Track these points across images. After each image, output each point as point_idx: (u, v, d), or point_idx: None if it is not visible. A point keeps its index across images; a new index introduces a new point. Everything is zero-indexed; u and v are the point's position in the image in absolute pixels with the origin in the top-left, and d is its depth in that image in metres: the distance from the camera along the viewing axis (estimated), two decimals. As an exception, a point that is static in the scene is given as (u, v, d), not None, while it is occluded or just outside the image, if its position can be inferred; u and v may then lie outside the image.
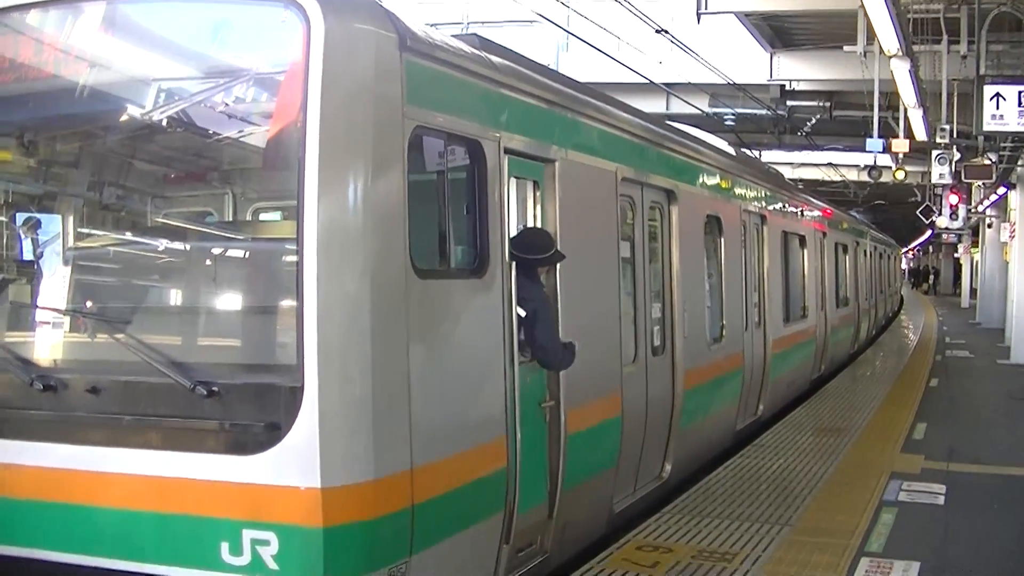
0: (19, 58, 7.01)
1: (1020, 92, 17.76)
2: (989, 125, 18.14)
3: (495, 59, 7.82)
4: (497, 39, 8.49)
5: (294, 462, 5.83)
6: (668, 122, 14.25)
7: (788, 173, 36.90)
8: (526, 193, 8.32)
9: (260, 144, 6.71)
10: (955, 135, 25.79)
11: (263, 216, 7.66)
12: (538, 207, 8.39)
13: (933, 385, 21.38)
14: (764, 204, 16.76)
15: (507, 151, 7.60)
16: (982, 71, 21.11)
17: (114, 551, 6.20)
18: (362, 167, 6.07)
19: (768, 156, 36.85)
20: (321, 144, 5.87)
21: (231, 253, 7.45)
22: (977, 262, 54.98)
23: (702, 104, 29.83)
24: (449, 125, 6.95)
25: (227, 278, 7.12)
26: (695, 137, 14.40)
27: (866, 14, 16.91)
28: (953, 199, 33.88)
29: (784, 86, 31.18)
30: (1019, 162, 27.97)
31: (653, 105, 29.49)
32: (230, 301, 7.11)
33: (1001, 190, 33.90)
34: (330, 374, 5.85)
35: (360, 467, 5.96)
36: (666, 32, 20.66)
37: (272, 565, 5.83)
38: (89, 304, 7.28)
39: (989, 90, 17.86)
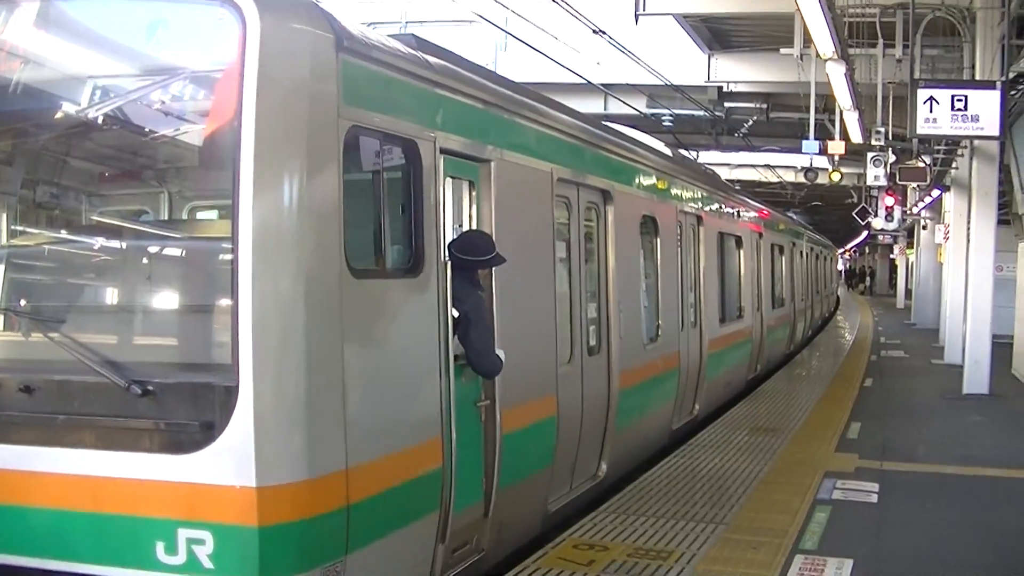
0: None
1: (953, 96, 17.90)
2: (923, 128, 18.28)
3: (431, 59, 7.83)
4: (435, 39, 8.49)
5: (229, 461, 5.81)
6: (605, 123, 14.26)
7: (725, 174, 37.17)
8: (462, 193, 8.33)
9: (196, 143, 6.67)
10: (890, 138, 26.03)
11: (199, 215, 7.58)
12: (474, 207, 8.42)
13: (868, 385, 21.59)
14: (700, 205, 16.89)
15: (443, 151, 7.60)
16: (916, 75, 21.28)
17: (49, 551, 6.16)
18: (297, 166, 6.05)
19: (706, 157, 37.04)
20: (256, 143, 5.85)
21: (167, 252, 7.36)
22: (912, 263, 55.55)
23: (640, 105, 29.91)
24: (385, 125, 6.95)
25: (162, 277, 7.05)
26: (631, 138, 14.45)
27: (802, 17, 17.00)
28: (888, 201, 34.19)
29: (721, 88, 31.31)
30: (953, 165, 28.25)
31: (591, 106, 29.56)
32: (165, 300, 7.04)
33: (935, 192, 34.25)
34: (265, 373, 5.84)
35: (295, 466, 5.95)
36: (603, 33, 20.67)
37: (208, 564, 5.81)
38: (23, 303, 7.18)
39: (923, 94, 18.00)
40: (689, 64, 30.88)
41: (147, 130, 6.81)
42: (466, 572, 8.16)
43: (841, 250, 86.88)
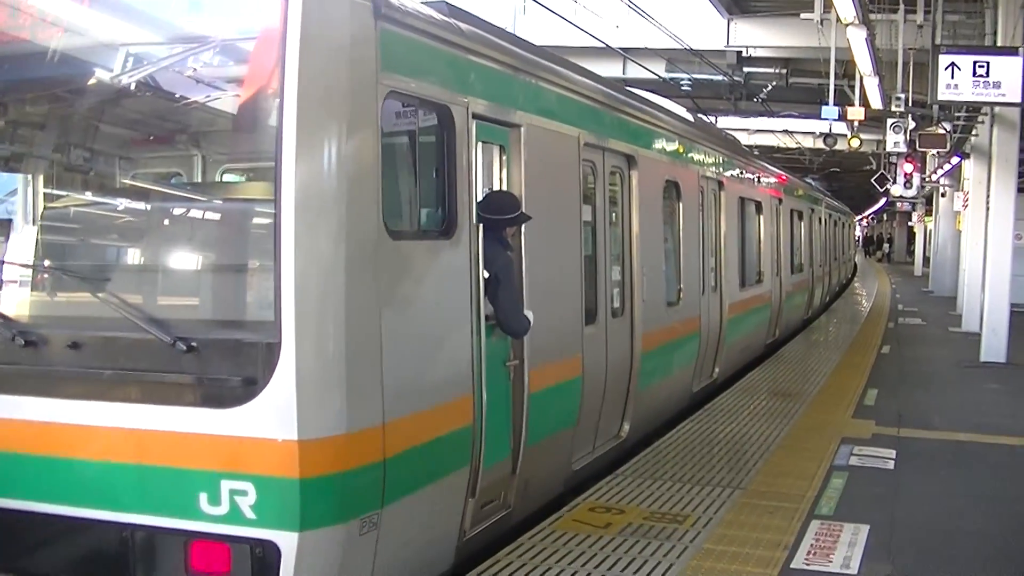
0: None
1: (975, 62, 17.83)
2: (944, 94, 18.21)
3: (463, 26, 7.89)
4: (456, 3, 8.50)
5: (272, 415, 5.94)
6: (629, 88, 14.23)
7: (744, 139, 37.09)
8: (492, 157, 8.45)
9: (238, 108, 6.70)
10: (910, 104, 25.94)
11: (241, 178, 7.73)
12: (504, 171, 8.54)
13: (885, 352, 21.55)
14: (722, 170, 16.91)
15: (475, 116, 7.71)
16: (938, 41, 21.28)
17: (95, 502, 6.29)
18: (337, 131, 6.16)
19: (724, 122, 36.92)
20: (299, 108, 5.95)
21: (211, 214, 7.49)
22: (930, 231, 55.38)
23: (659, 69, 29.80)
24: (420, 91, 7.06)
25: (206, 238, 7.21)
26: (655, 103, 14.43)
27: (824, -19, 16.94)
28: (908, 168, 34.04)
29: (741, 52, 31.18)
30: (973, 132, 28.15)
31: (610, 69, 29.48)
32: (209, 260, 7.18)
33: (955, 159, 34.17)
34: (306, 331, 5.96)
35: (335, 421, 6.09)
36: (623, -4, 20.62)
37: (249, 514, 5.95)
38: (71, 263, 7.39)
39: (944, 60, 17.93)
40: (708, 28, 30.76)
41: (190, 96, 6.83)
42: (493, 527, 8.35)
43: (859, 217, 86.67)
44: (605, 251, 10.86)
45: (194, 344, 6.12)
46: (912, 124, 26.78)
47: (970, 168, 29.21)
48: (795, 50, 30.30)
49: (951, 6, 23.70)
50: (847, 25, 18.78)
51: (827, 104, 25.29)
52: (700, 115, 21.64)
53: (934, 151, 31.44)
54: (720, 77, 31.00)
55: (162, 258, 7.36)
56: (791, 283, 24.16)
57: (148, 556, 6.29)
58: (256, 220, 6.69)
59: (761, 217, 20.78)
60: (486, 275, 7.79)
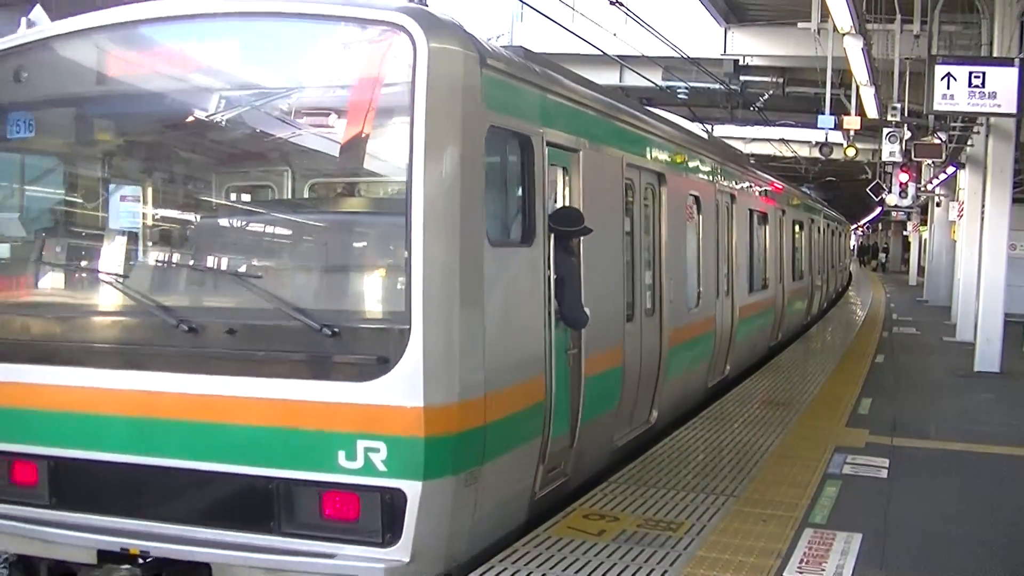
0: (169, 63, 8.34)
1: (971, 73, 17.89)
2: (940, 105, 18.26)
3: (538, 68, 9.43)
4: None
5: (401, 387, 7.22)
6: (654, 110, 15.87)
7: (740, 148, 37.08)
8: (557, 177, 9.78)
9: (379, 138, 8.01)
10: (906, 114, 26.00)
11: (381, 194, 9.00)
12: (566, 189, 9.94)
13: (879, 361, 21.60)
14: (733, 184, 18.23)
15: (547, 143, 9.09)
16: (934, 51, 21.31)
17: (246, 459, 7.57)
18: (454, 159, 7.48)
19: (720, 130, 36.95)
20: (426, 141, 7.28)
21: (355, 221, 8.83)
22: (925, 240, 55.45)
23: (655, 77, 29.84)
24: (510, 124, 8.52)
25: (349, 244, 8.66)
26: (680, 126, 16.29)
27: (820, -9, 16.99)
28: (903, 177, 34.13)
29: (737, 61, 31.26)
30: (968, 142, 28.20)
31: (607, 77, 29.55)
32: (351, 261, 8.48)
33: (950, 169, 34.24)
34: (431, 319, 7.25)
35: (451, 392, 7.40)
36: (620, 4, 20.64)
37: (381, 468, 7.24)
38: (230, 263, 8.64)
39: (940, 70, 17.98)
40: (705, 37, 30.83)
41: (340, 127, 8.16)
42: (555, 492, 9.59)
43: (854, 226, 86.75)
44: (640, 257, 12.21)
45: (338, 330, 7.36)
46: (908, 134, 26.85)
47: (965, 178, 29.24)
48: (792, 59, 30.38)
49: (948, 16, 23.76)
50: (844, 34, 18.86)
51: (823, 113, 25.32)
52: (701, 124, 21.78)
53: (929, 161, 31.56)
54: (717, 85, 31.04)
55: (310, 259, 8.65)
56: (793, 289, 25.29)
57: (290, 504, 7.53)
58: (390, 231, 7.75)
59: (767, 227, 21.94)
60: (554, 277, 9.11)
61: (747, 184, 19.96)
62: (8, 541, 8.33)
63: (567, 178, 9.92)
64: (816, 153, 39.28)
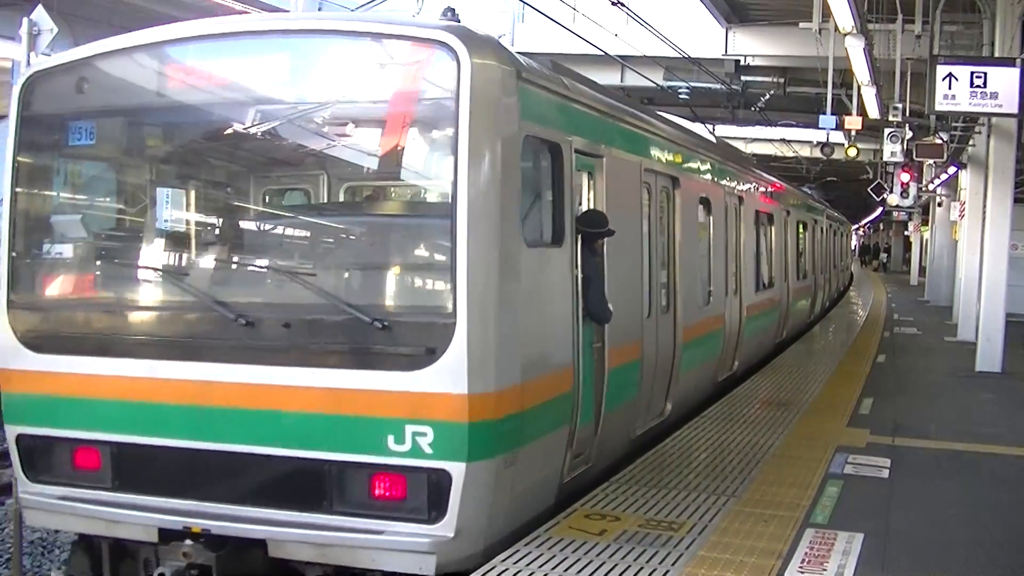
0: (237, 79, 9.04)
1: (972, 73, 17.91)
2: (941, 105, 18.28)
3: (566, 80, 10.02)
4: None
5: (447, 376, 7.81)
6: (666, 115, 16.22)
7: (741, 148, 37.07)
8: (582, 181, 10.30)
9: (426, 147, 8.87)
10: (907, 114, 26.01)
11: (427, 198, 9.39)
12: (590, 192, 10.48)
13: (881, 361, 21.59)
14: (741, 187, 18.74)
15: (575, 151, 9.66)
16: (935, 51, 21.32)
17: (300, 443, 8.17)
18: (495, 165, 8.08)
19: (722, 130, 36.95)
20: (469, 148, 7.89)
21: (403, 224, 9.31)
22: (927, 240, 55.42)
23: (657, 77, 29.86)
24: (543, 133, 9.09)
25: (398, 244, 9.11)
26: (692, 131, 16.94)
27: (822, -9, 17.00)
28: (904, 177, 34.13)
29: (739, 61, 31.26)
30: (970, 142, 28.19)
31: (608, 77, 29.53)
32: (399, 260, 9.00)
33: (952, 169, 34.24)
34: (474, 313, 7.84)
35: (492, 380, 7.98)
36: (621, 4, 20.65)
37: (427, 450, 7.82)
38: (286, 262, 9.14)
39: (942, 70, 18.00)
40: (707, 37, 30.83)
41: (387, 136, 8.85)
42: (580, 476, 10.09)
43: (855, 226, 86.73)
44: (656, 257, 12.73)
45: (388, 324, 7.97)
46: (909, 134, 26.83)
47: (967, 178, 29.21)
48: (793, 59, 30.39)
49: (949, 16, 23.77)
50: (845, 35, 18.86)
51: (825, 113, 25.33)
52: (697, 123, 21.81)
53: (931, 161, 31.50)
54: (718, 86, 31.04)
55: (361, 258, 9.18)
56: (797, 289, 25.65)
57: (341, 485, 8.11)
58: (436, 232, 8.41)
59: (772, 228, 22.40)
60: (581, 275, 9.65)
61: (753, 186, 20.48)
62: (73, 521, 8.97)
63: (591, 182, 10.49)
64: (817, 153, 39.28)
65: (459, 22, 8.68)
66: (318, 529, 8.10)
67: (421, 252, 9.00)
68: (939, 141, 27.11)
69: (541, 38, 31.04)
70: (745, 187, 19.21)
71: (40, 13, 13.66)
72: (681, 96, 32.34)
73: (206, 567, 8.20)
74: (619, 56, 26.52)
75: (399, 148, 8.84)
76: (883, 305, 40.11)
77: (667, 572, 7.89)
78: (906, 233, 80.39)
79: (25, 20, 13.50)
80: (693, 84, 30.98)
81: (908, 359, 22.51)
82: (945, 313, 33.56)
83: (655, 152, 12.88)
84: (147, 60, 9.21)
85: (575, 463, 9.87)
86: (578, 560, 8.07)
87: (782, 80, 32.19)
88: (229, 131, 9.20)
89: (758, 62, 31.36)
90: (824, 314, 33.86)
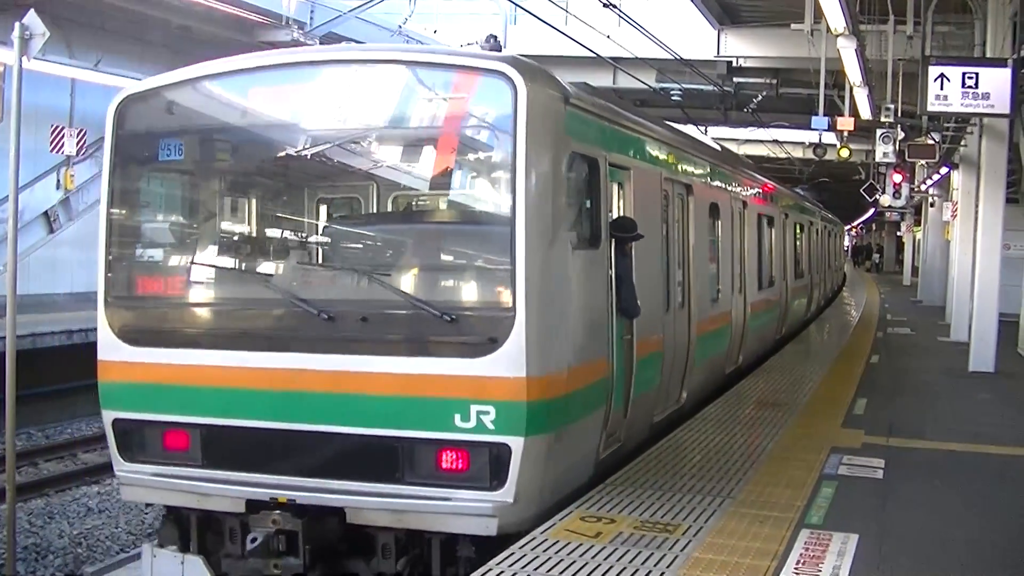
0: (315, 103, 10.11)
1: (964, 73, 17.92)
2: (933, 105, 18.30)
3: (600, 101, 11.15)
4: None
5: (508, 362, 8.86)
6: (678, 126, 17.78)
7: (734, 149, 37.07)
8: (613, 191, 11.29)
9: (487, 162, 9.88)
10: (900, 114, 25.99)
11: (489, 208, 10.12)
12: (620, 201, 11.57)
13: (874, 361, 21.63)
14: (745, 192, 19.88)
15: (609, 164, 10.79)
16: (927, 52, 21.31)
17: (376, 423, 9.20)
18: (547, 178, 9.27)
19: (714, 132, 36.99)
20: (525, 164, 8.95)
21: (468, 231, 10.28)
22: (919, 241, 55.47)
23: (649, 79, 29.88)
24: (585, 150, 10.23)
25: (464, 247, 10.19)
26: (701, 142, 19.08)
27: (814, -8, 17.02)
28: (897, 178, 34.15)
29: (731, 63, 31.25)
30: (962, 142, 28.21)
31: (600, 79, 29.53)
32: (466, 261, 10.16)
33: (944, 170, 34.27)
34: (530, 308, 8.88)
35: (545, 366, 9.07)
36: (613, 6, 20.68)
37: (490, 426, 8.87)
38: (363, 263, 10.35)
39: (934, 71, 18.01)
40: (699, 39, 30.83)
41: (452, 154, 10.12)
42: (612, 454, 11.14)
43: (848, 227, 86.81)
44: (673, 258, 13.76)
45: (455, 317, 9.07)
46: (901, 135, 26.86)
47: (959, 178, 29.24)
48: (785, 60, 30.37)
49: (941, 17, 23.76)
50: (837, 36, 18.86)
51: (817, 114, 25.34)
52: (690, 125, 21.93)
53: (923, 161, 31.51)
54: (710, 87, 31.05)
55: (431, 260, 10.29)
56: (795, 287, 26.66)
57: (409, 460, 9.13)
58: (497, 237, 9.26)
59: (773, 230, 23.44)
60: (614, 274, 10.84)
61: (756, 191, 21.57)
62: (166, 495, 10.04)
63: (620, 191, 11.57)
64: (810, 154, 39.37)
65: (501, 48, 10.19)
66: (392, 498, 9.11)
67: (484, 255, 9.85)
68: (931, 142, 27.14)
69: (533, 40, 31.06)
70: (748, 192, 20.23)
71: (32, 18, 13.62)
72: (673, 98, 32.35)
73: (292, 532, 9.16)
74: (611, 58, 26.54)
75: (464, 164, 10.16)
76: (876, 305, 40.15)
77: (663, 574, 7.90)
78: (898, 234, 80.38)
79: (17, 25, 13.46)
80: (685, 86, 31.00)
81: (902, 359, 22.56)
82: (938, 313, 33.63)
83: (672, 163, 13.99)
84: (232, 85, 10.43)
85: (609, 441, 10.91)
86: (574, 563, 8.08)
87: (774, 81, 32.18)
88: (313, 148, 10.18)
89: (750, 63, 31.37)
90: (820, 312, 34.33)
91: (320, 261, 10.83)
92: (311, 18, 29.83)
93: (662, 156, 13.58)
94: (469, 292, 9.87)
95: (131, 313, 10.33)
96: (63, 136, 27.67)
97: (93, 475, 18.62)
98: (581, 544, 8.50)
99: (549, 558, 8.17)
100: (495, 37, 11.04)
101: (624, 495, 10.02)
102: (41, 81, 23.92)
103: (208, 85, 10.48)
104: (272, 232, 11.37)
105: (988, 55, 20.25)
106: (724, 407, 15.05)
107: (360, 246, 10.94)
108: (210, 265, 10.79)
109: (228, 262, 11.05)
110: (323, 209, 11.48)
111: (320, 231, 11.28)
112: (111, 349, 10.10)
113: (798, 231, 28.66)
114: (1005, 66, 18.14)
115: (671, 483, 10.50)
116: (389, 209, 11.37)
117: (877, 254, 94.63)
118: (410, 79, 9.91)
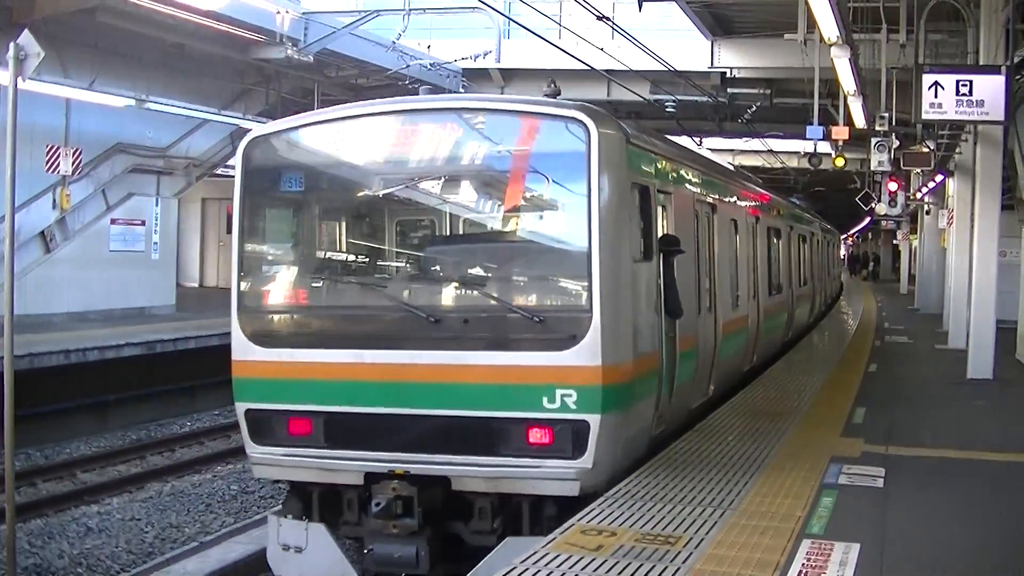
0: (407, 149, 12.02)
1: (958, 81, 17.94)
2: (927, 113, 18.31)
3: (647, 136, 13.01)
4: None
5: (586, 353, 10.59)
6: (701, 151, 18.64)
7: (729, 159, 37.09)
8: (658, 212, 12.77)
9: (567, 192, 11.32)
10: (894, 123, 25.99)
11: (570, 229, 11.46)
12: (664, 220, 13.13)
13: (872, 370, 21.60)
14: (757, 207, 21.55)
15: (657, 190, 12.49)
16: (921, 60, 21.32)
17: (475, 406, 10.90)
18: (615, 204, 11.06)
19: (709, 143, 37.04)
20: (598, 193, 10.77)
21: (553, 247, 11.76)
22: (915, 249, 55.47)
23: (643, 91, 29.90)
24: (640, 180, 11.92)
25: (549, 261, 11.72)
26: (722, 166, 22.37)
27: (807, 2, 17.04)
28: (892, 186, 34.12)
29: (725, 73, 31.31)
30: (957, 150, 28.24)
31: (594, 92, 29.60)
32: (551, 272, 11.64)
33: (939, 177, 34.23)
34: (604, 311, 10.63)
35: (616, 356, 10.82)
36: (607, 19, 20.70)
37: (572, 407, 10.56)
38: (464, 274, 11.99)
39: (928, 79, 18.03)
40: (692, 50, 30.91)
41: (538, 186, 11.77)
42: (661, 434, 12.79)
43: (844, 236, 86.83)
44: (703, 267, 15.27)
45: (542, 318, 10.86)
46: (896, 143, 26.85)
47: (954, 186, 29.23)
48: (779, 71, 30.46)
49: (933, 25, 23.80)
50: (830, 45, 18.87)
51: (811, 124, 25.37)
52: (692, 138, 22.09)
53: (918, 169, 31.51)
54: (705, 98, 31.08)
55: (523, 271, 11.79)
56: (800, 294, 27.95)
57: (503, 436, 10.79)
58: (577, 252, 11.02)
59: (780, 241, 24.89)
60: (662, 282, 12.41)
61: (766, 206, 23.56)
62: (292, 472, 11.74)
63: (664, 213, 13.20)
64: (805, 163, 39.22)
65: (559, 93, 12.33)
66: (489, 467, 10.80)
67: (567, 267, 11.41)
68: (926, 149, 27.16)
69: (527, 54, 31.09)
70: (760, 208, 22.12)
71: (27, 38, 13.57)
72: (668, 109, 32.39)
73: (408, 498, 10.80)
74: (605, 71, 26.60)
75: (548, 193, 11.62)
76: (873, 314, 40.15)
77: (665, 586, 7.88)
78: (895, 242, 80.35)
79: (12, 45, 13.44)
80: (680, 97, 31.03)
81: (900, 368, 22.55)
82: (935, 321, 33.62)
83: (702, 187, 15.79)
84: (346, 127, 12.12)
85: (659, 423, 12.48)
86: (575, 576, 8.05)
87: (768, 92, 32.24)
88: (421, 182, 12.07)
89: (744, 74, 31.43)
90: (821, 317, 35.25)
91: (427, 274, 12.42)
92: (305, 35, 29.79)
93: (693, 180, 15.28)
94: (553, 298, 11.63)
95: (260, 320, 12.06)
96: (58, 156, 27.69)
97: (92, 495, 18.53)
98: (583, 557, 8.47)
99: (551, 572, 8.14)
100: (554, 82, 12.92)
101: (624, 508, 9.99)
102: (36, 100, 23.87)
103: (324, 128, 12.33)
104: (385, 249, 12.89)
105: (981, 62, 20.25)
106: (723, 418, 15.03)
107: (461, 262, 12.31)
108: (328, 278, 12.66)
109: (345, 275, 12.74)
110: (425, 231, 13.00)
111: (426, 249, 12.82)
112: (244, 351, 11.80)
113: (801, 241, 29.83)
114: (999, 73, 18.18)
115: (672, 495, 10.48)
116: (487, 230, 12.84)
117: (873, 263, 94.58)
118: (503, 123, 11.82)
